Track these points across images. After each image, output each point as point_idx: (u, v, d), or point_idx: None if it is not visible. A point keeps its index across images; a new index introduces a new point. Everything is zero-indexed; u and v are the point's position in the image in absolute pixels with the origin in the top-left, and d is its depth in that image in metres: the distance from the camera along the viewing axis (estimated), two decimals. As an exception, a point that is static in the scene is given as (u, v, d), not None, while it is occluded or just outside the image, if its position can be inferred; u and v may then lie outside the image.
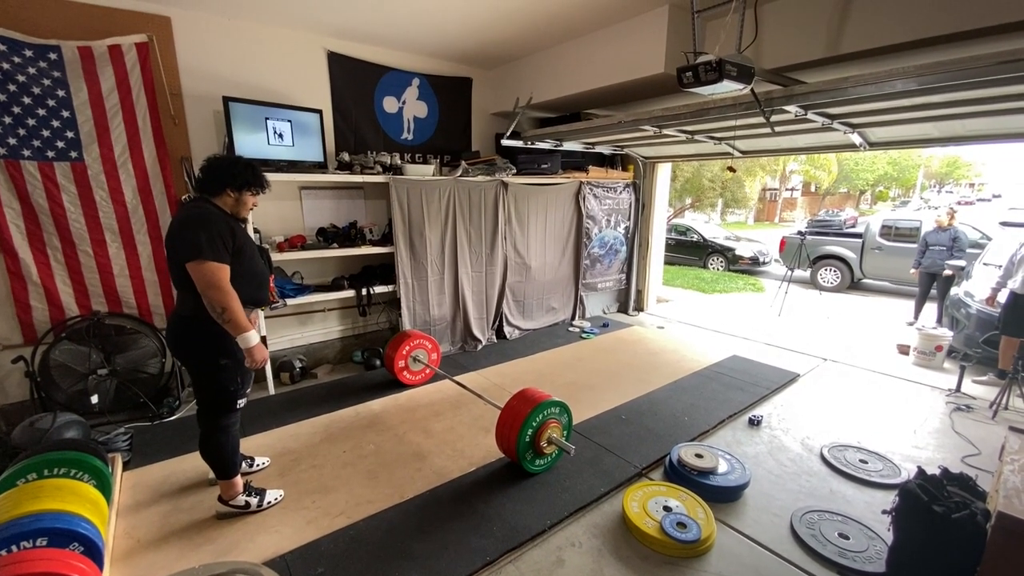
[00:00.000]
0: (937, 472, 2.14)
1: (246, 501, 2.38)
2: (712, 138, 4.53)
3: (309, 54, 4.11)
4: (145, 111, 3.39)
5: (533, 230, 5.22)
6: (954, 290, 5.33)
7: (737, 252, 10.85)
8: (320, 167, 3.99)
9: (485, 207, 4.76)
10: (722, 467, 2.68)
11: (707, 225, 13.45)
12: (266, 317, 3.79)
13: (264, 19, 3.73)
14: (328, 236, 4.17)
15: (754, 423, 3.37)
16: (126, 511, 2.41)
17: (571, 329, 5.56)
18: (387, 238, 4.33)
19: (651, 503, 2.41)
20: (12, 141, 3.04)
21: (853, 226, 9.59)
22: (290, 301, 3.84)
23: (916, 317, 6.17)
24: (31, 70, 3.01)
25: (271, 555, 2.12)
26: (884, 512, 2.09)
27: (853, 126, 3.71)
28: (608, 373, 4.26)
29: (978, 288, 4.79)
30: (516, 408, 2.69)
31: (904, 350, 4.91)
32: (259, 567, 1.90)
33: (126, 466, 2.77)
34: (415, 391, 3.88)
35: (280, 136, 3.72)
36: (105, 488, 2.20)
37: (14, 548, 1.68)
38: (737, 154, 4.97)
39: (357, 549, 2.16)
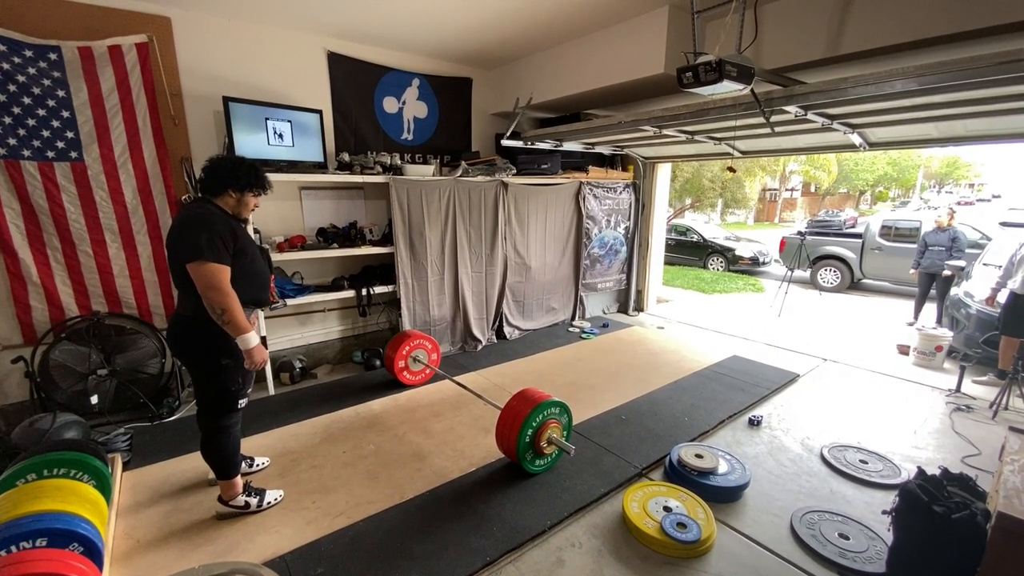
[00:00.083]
0: (937, 472, 2.14)
1: (246, 501, 2.38)
2: (712, 138, 4.53)
3: (309, 54, 4.11)
4: (145, 111, 3.39)
5: (533, 230, 5.22)
6: (954, 290, 5.33)
7: (737, 252, 10.85)
8: (320, 167, 3.99)
9: (485, 207, 4.76)
10: (722, 467, 2.68)
11: (707, 225, 13.44)
12: (266, 317, 3.79)
13: (264, 19, 3.73)
14: (328, 236, 4.17)
15: (754, 423, 3.37)
16: (126, 511, 2.41)
17: (571, 329, 5.56)
18: (387, 238, 4.33)
19: (651, 503, 2.41)
20: (12, 141, 3.04)
21: (853, 226, 9.60)
22: (290, 301, 3.84)
23: (916, 317, 6.17)
24: (31, 70, 3.01)
25: (271, 555, 2.12)
26: (884, 512, 2.09)
27: (853, 126, 3.71)
28: (608, 373, 4.26)
29: (978, 288, 4.79)
30: (516, 408, 2.68)
31: (904, 350, 4.91)
32: (259, 567, 1.90)
33: (126, 466, 2.77)
34: (415, 391, 3.88)
35: (280, 136, 3.72)
36: (105, 488, 2.20)
37: (14, 548, 1.68)
38: (737, 154, 4.97)
39: (357, 549, 2.16)
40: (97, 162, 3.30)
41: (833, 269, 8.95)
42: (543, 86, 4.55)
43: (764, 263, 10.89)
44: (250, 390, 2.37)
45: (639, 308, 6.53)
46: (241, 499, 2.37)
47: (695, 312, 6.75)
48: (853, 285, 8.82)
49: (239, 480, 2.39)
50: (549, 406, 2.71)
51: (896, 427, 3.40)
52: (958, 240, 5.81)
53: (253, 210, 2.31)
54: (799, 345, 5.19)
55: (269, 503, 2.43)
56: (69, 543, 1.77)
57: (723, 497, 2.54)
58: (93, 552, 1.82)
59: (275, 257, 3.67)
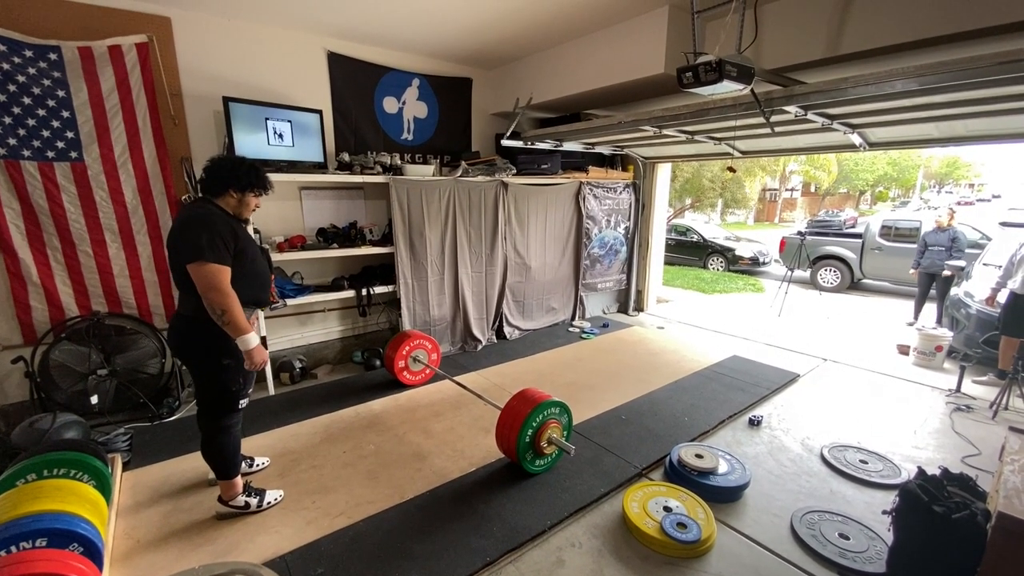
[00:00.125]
0: (937, 472, 2.14)
1: (246, 501, 2.37)
2: (712, 138, 4.53)
3: (309, 54, 4.11)
4: (145, 111, 3.39)
5: (533, 230, 5.22)
6: (954, 290, 5.33)
7: (737, 252, 10.85)
8: (320, 167, 3.99)
9: (485, 207, 4.76)
10: (722, 467, 2.68)
11: (707, 225, 13.44)
12: (266, 317, 3.79)
13: (264, 19, 3.73)
14: (328, 236, 4.17)
15: (754, 423, 3.37)
16: (126, 511, 2.41)
17: (571, 329, 5.56)
18: (387, 238, 4.33)
19: (651, 503, 2.41)
20: (12, 141, 3.04)
21: (853, 226, 9.60)
22: (290, 301, 3.84)
23: (916, 317, 6.17)
24: (31, 70, 3.01)
25: (271, 555, 2.12)
26: (884, 512, 2.09)
27: (853, 126, 3.71)
28: (608, 373, 4.26)
29: (978, 288, 4.79)
30: (516, 408, 2.68)
31: (904, 350, 4.91)
32: (259, 568, 1.90)
33: (126, 466, 2.77)
34: (415, 391, 3.88)
35: (280, 136, 3.72)
36: (105, 488, 2.20)
37: (13, 549, 1.68)
38: (737, 154, 4.97)
39: (357, 549, 2.16)
40: (97, 162, 3.30)
41: (833, 269, 8.96)
42: (543, 86, 4.55)
43: (764, 263, 10.89)
44: (251, 390, 2.37)
45: (639, 308, 6.53)
46: (241, 499, 2.37)
47: (695, 312, 6.75)
48: (853, 285, 8.82)
49: (239, 480, 2.39)
50: (549, 406, 2.71)
51: (896, 427, 3.40)
52: (958, 240, 5.81)
53: (254, 210, 2.31)
54: (799, 345, 5.19)
55: (269, 503, 2.43)
56: (69, 543, 1.77)
57: (723, 497, 2.54)
58: (93, 552, 1.82)
59: (275, 257, 3.67)
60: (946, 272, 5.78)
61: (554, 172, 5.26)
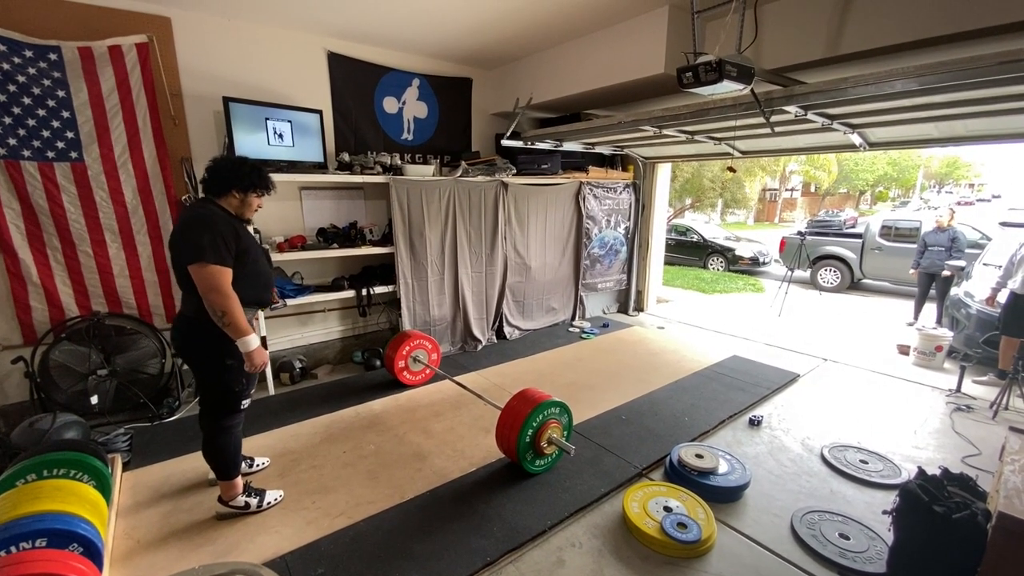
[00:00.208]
0: (937, 472, 2.14)
1: (246, 502, 2.37)
2: (712, 138, 4.53)
3: (309, 54, 4.11)
4: (145, 111, 3.39)
5: (533, 230, 5.22)
6: (954, 290, 5.33)
7: (737, 252, 10.85)
8: (320, 167, 3.99)
9: (485, 207, 4.76)
10: (722, 467, 2.68)
11: (707, 225, 13.44)
12: (266, 317, 3.79)
13: (264, 19, 3.73)
14: (328, 236, 4.17)
15: (754, 423, 3.37)
16: (126, 512, 2.41)
17: (571, 329, 5.55)
18: (387, 238, 4.33)
19: (651, 503, 2.41)
20: (12, 141, 3.04)
21: (853, 226, 9.59)
22: (290, 301, 3.83)
23: (916, 317, 6.17)
24: (31, 70, 3.01)
25: (271, 556, 2.12)
26: (885, 512, 2.09)
27: (853, 126, 3.71)
28: (608, 373, 4.26)
29: (978, 288, 4.79)
30: (516, 408, 2.68)
31: (904, 350, 4.91)
32: (259, 568, 1.90)
33: (126, 467, 2.77)
34: (415, 391, 3.88)
35: (280, 136, 3.72)
36: (105, 489, 2.20)
37: (13, 549, 1.68)
38: (737, 154, 4.97)
39: (357, 549, 2.16)
40: (97, 162, 3.30)
41: (833, 269, 8.95)
42: (543, 86, 4.55)
43: (764, 263, 10.89)
44: (253, 391, 2.37)
45: (639, 308, 6.53)
46: (241, 499, 2.37)
47: (695, 312, 6.75)
48: (853, 285, 8.82)
49: (239, 481, 2.39)
50: (549, 406, 2.71)
51: (896, 427, 3.40)
52: (958, 240, 5.81)
53: (256, 211, 2.31)
54: (799, 345, 5.19)
55: (269, 503, 2.43)
56: (69, 543, 1.77)
57: (723, 497, 2.54)
58: (93, 552, 1.81)
59: (275, 257, 3.67)
60: (946, 272, 5.78)
61: (554, 172, 5.26)
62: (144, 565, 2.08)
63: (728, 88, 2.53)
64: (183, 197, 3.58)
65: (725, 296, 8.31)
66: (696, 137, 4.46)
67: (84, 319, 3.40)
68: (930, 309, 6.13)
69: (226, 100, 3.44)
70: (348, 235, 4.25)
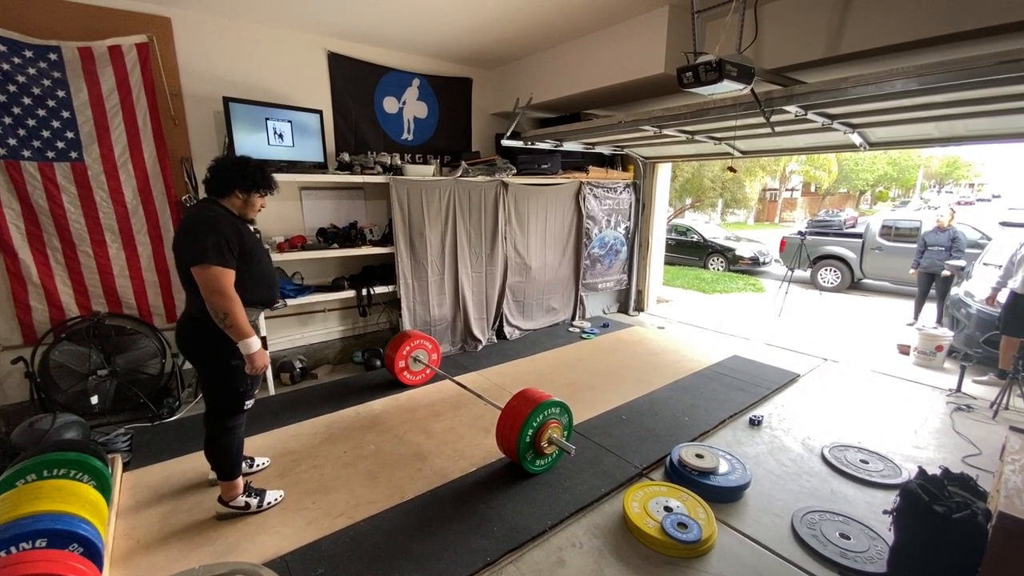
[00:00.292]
0: (938, 472, 2.14)
1: (246, 502, 2.37)
2: (712, 138, 4.53)
3: (309, 54, 4.11)
4: (145, 111, 3.39)
5: (533, 230, 5.22)
6: (954, 290, 5.33)
7: (737, 252, 10.85)
8: (320, 167, 3.99)
9: (485, 207, 4.76)
10: (723, 467, 2.68)
11: (707, 225, 13.44)
12: (266, 318, 3.78)
13: (264, 19, 3.73)
14: (328, 236, 4.17)
15: (755, 423, 3.37)
16: (126, 512, 2.41)
17: (571, 329, 5.55)
18: (387, 238, 4.33)
19: (652, 503, 2.41)
20: (12, 142, 3.04)
21: (853, 226, 9.60)
22: (290, 301, 3.84)
23: (916, 317, 6.16)
24: (31, 71, 3.01)
25: (271, 556, 2.12)
26: (885, 512, 2.09)
27: (853, 126, 3.71)
28: (608, 373, 4.26)
29: (978, 288, 4.79)
30: (516, 408, 2.68)
31: (904, 350, 4.91)
32: (259, 568, 1.90)
33: (126, 467, 2.77)
34: (415, 391, 3.88)
35: (280, 136, 3.72)
36: (105, 489, 2.20)
37: (13, 549, 1.67)
38: (737, 154, 4.97)
39: (357, 550, 2.16)
40: (97, 162, 3.30)
41: (833, 269, 8.96)
42: (543, 86, 4.55)
43: (764, 263, 10.89)
44: (257, 391, 2.37)
45: (639, 308, 6.53)
46: (241, 500, 2.37)
47: (695, 312, 6.75)
48: (853, 285, 8.82)
49: (240, 481, 2.39)
50: (549, 406, 2.71)
51: (897, 427, 3.40)
52: (958, 240, 5.81)
53: (260, 211, 2.30)
54: (799, 345, 5.19)
55: (269, 503, 2.43)
56: (69, 544, 1.77)
57: (724, 497, 2.54)
58: (93, 553, 1.81)
59: (275, 257, 3.67)
60: (945, 272, 5.78)
61: (554, 172, 5.26)
62: (144, 565, 2.08)
63: (728, 88, 2.53)
64: (183, 197, 3.58)
65: (725, 296, 8.31)
66: (696, 137, 4.46)
67: (84, 319, 3.40)
68: (930, 309, 6.13)
69: (226, 100, 3.44)
70: (348, 235, 4.25)
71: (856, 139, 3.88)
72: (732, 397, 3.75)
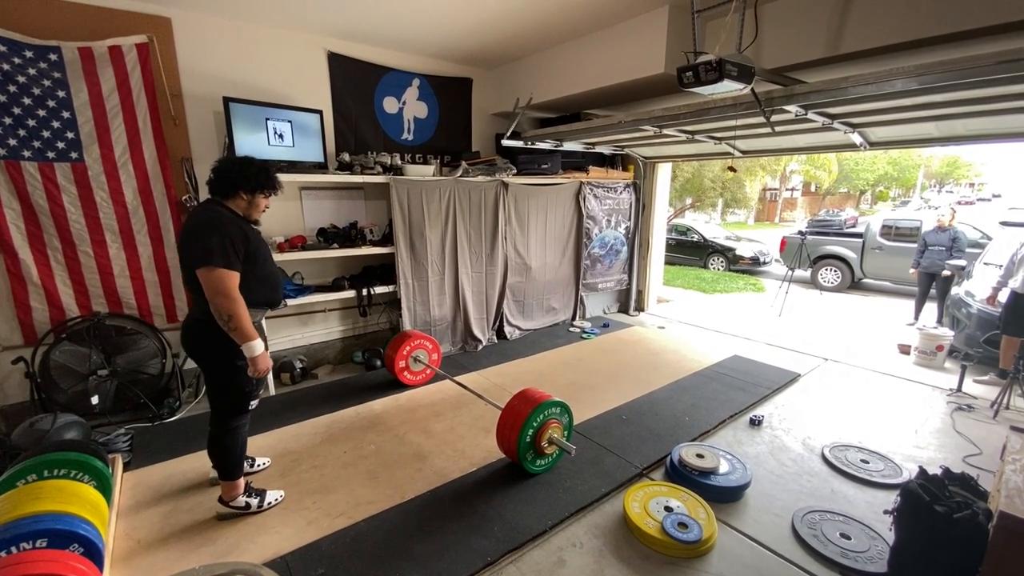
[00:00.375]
0: (939, 472, 2.14)
1: (246, 502, 2.37)
2: (712, 138, 4.53)
3: (309, 54, 4.11)
4: (145, 112, 3.39)
5: (533, 230, 5.22)
6: (955, 290, 5.33)
7: (738, 252, 10.85)
8: (320, 167, 3.99)
9: (485, 207, 4.76)
10: (723, 467, 2.68)
11: (707, 225, 13.44)
12: (266, 318, 3.78)
13: (264, 19, 3.73)
14: (328, 236, 4.17)
15: (755, 423, 3.36)
16: (126, 512, 2.41)
17: (571, 329, 5.55)
18: (387, 238, 4.33)
19: (652, 503, 2.41)
20: (12, 142, 3.04)
21: (853, 226, 9.59)
22: (291, 301, 3.84)
23: (916, 317, 6.16)
24: (31, 71, 3.01)
25: (271, 556, 2.12)
26: (886, 512, 2.09)
27: (853, 126, 3.71)
28: (609, 373, 4.26)
29: (979, 288, 4.79)
30: (517, 408, 2.68)
31: (905, 350, 4.91)
32: (259, 568, 1.90)
33: (126, 467, 2.77)
34: (416, 391, 3.88)
35: (280, 136, 3.72)
36: (105, 489, 2.20)
37: (14, 549, 1.68)
38: (737, 154, 4.96)
39: (358, 550, 2.16)
40: (97, 162, 3.30)
41: (834, 269, 8.95)
42: (543, 86, 4.55)
43: (765, 263, 10.89)
44: (261, 391, 2.37)
45: (640, 308, 6.53)
46: (242, 500, 2.37)
47: (696, 312, 6.75)
48: (854, 285, 8.82)
49: (241, 481, 2.39)
50: (550, 406, 2.70)
51: (897, 427, 3.39)
52: (958, 240, 5.81)
53: (264, 211, 2.30)
54: (800, 345, 5.19)
55: (270, 503, 2.43)
56: (69, 544, 1.77)
57: (724, 497, 2.54)
58: (93, 553, 1.81)
59: (275, 257, 3.64)
60: (946, 272, 5.77)
61: (554, 172, 5.26)
62: (144, 565, 2.08)
63: (728, 87, 2.53)
64: (183, 197, 3.58)
65: (726, 296, 8.30)
66: (696, 137, 4.46)
67: (84, 319, 3.40)
68: (931, 309, 6.13)
69: (226, 100, 3.44)
70: (348, 235, 4.25)
71: (856, 139, 3.88)
72: (732, 397, 3.75)
